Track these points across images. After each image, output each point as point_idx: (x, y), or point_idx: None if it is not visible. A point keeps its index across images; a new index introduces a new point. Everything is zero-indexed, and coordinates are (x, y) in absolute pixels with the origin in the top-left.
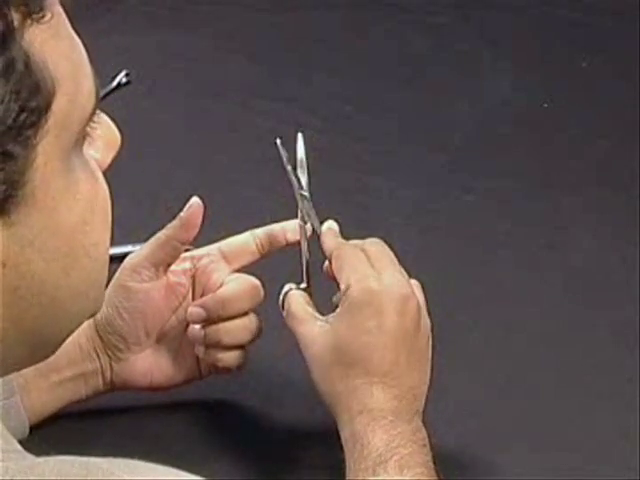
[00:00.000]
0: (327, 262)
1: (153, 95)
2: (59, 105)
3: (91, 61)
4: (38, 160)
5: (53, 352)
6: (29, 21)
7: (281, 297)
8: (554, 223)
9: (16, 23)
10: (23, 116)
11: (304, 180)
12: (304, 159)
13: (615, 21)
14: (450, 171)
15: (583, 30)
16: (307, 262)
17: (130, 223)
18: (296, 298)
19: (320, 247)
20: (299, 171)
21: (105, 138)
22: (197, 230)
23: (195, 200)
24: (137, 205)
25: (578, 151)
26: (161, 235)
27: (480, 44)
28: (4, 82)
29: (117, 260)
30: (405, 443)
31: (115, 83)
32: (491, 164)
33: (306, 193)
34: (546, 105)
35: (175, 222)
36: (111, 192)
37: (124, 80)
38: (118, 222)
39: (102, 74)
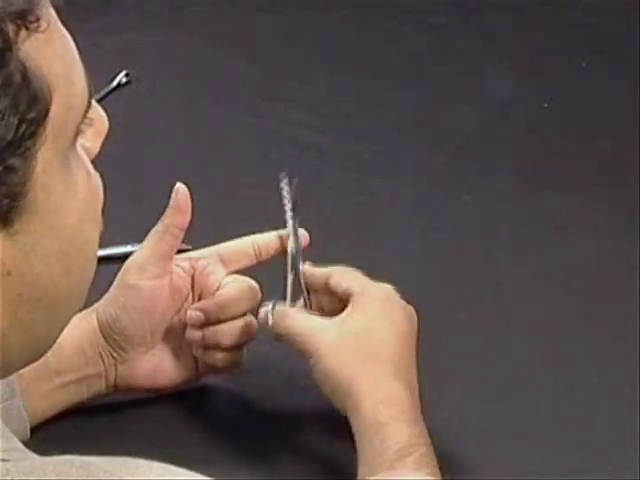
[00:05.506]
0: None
1: (153, 95)
2: (55, 110)
3: (82, 59)
4: (38, 168)
5: (48, 349)
6: (25, 33)
7: (269, 315)
8: (554, 223)
9: (12, 36)
10: (22, 128)
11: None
12: (297, 201)
13: (615, 21)
14: (450, 171)
15: (583, 30)
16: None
17: (130, 223)
18: (289, 309)
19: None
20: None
21: (95, 126)
22: (190, 213)
23: (179, 185)
24: (137, 205)
25: (578, 151)
26: (158, 227)
27: (480, 44)
28: (3, 98)
29: (117, 260)
30: (424, 441)
31: (115, 83)
32: (491, 164)
33: (299, 233)
34: (546, 105)
35: (168, 211)
36: (111, 192)
37: (124, 80)
38: (118, 222)
39: (102, 74)
